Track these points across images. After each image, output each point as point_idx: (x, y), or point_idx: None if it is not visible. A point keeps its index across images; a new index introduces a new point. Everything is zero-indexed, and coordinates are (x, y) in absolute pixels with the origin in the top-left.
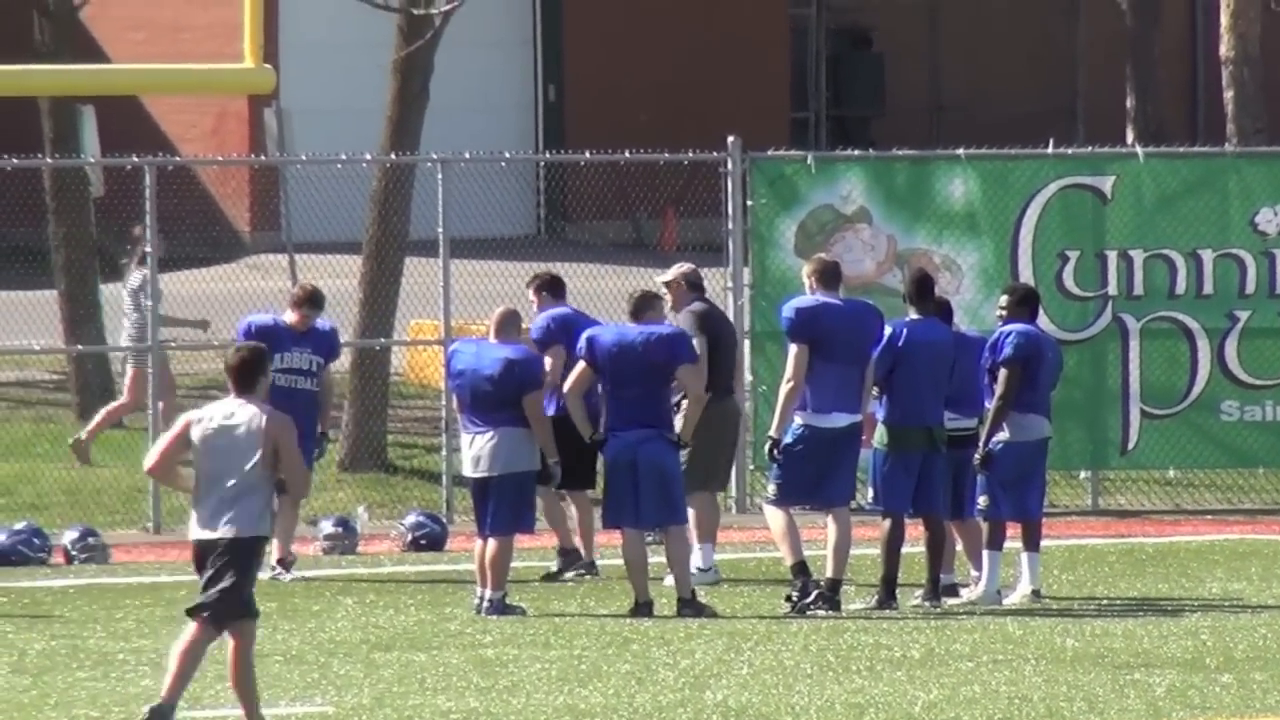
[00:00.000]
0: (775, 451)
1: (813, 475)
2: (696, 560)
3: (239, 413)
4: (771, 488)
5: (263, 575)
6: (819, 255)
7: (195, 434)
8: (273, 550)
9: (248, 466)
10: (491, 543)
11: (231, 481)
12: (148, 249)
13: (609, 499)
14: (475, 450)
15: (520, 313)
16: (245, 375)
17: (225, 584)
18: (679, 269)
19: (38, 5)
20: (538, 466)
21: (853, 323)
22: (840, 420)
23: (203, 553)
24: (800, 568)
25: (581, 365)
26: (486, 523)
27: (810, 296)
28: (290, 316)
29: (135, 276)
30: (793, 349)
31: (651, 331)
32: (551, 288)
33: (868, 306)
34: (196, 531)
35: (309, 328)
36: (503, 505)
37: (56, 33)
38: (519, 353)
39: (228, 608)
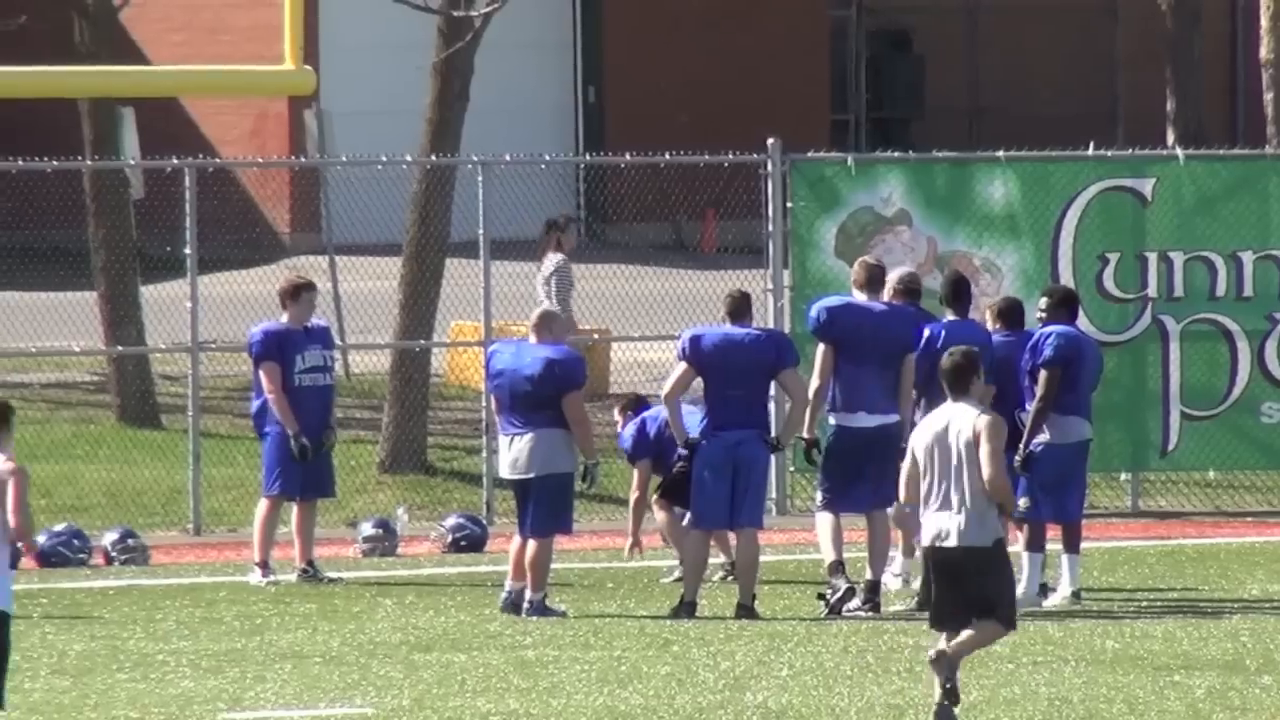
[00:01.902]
0: (814, 452)
1: (849, 476)
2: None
3: (956, 416)
4: (819, 495)
5: (289, 577)
6: (863, 258)
7: (915, 442)
8: (296, 555)
9: (964, 472)
10: (531, 544)
11: (949, 485)
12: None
13: (700, 498)
14: (514, 452)
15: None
16: (958, 379)
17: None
18: (897, 274)
19: (77, 6)
20: (575, 468)
21: (881, 324)
22: (867, 421)
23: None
24: (836, 567)
25: (683, 366)
26: (526, 524)
27: (837, 296)
28: (291, 314)
29: (548, 263)
30: (818, 350)
31: (758, 332)
32: (635, 406)
33: (903, 309)
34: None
35: (312, 326)
36: (541, 507)
37: (96, 34)
38: (559, 353)
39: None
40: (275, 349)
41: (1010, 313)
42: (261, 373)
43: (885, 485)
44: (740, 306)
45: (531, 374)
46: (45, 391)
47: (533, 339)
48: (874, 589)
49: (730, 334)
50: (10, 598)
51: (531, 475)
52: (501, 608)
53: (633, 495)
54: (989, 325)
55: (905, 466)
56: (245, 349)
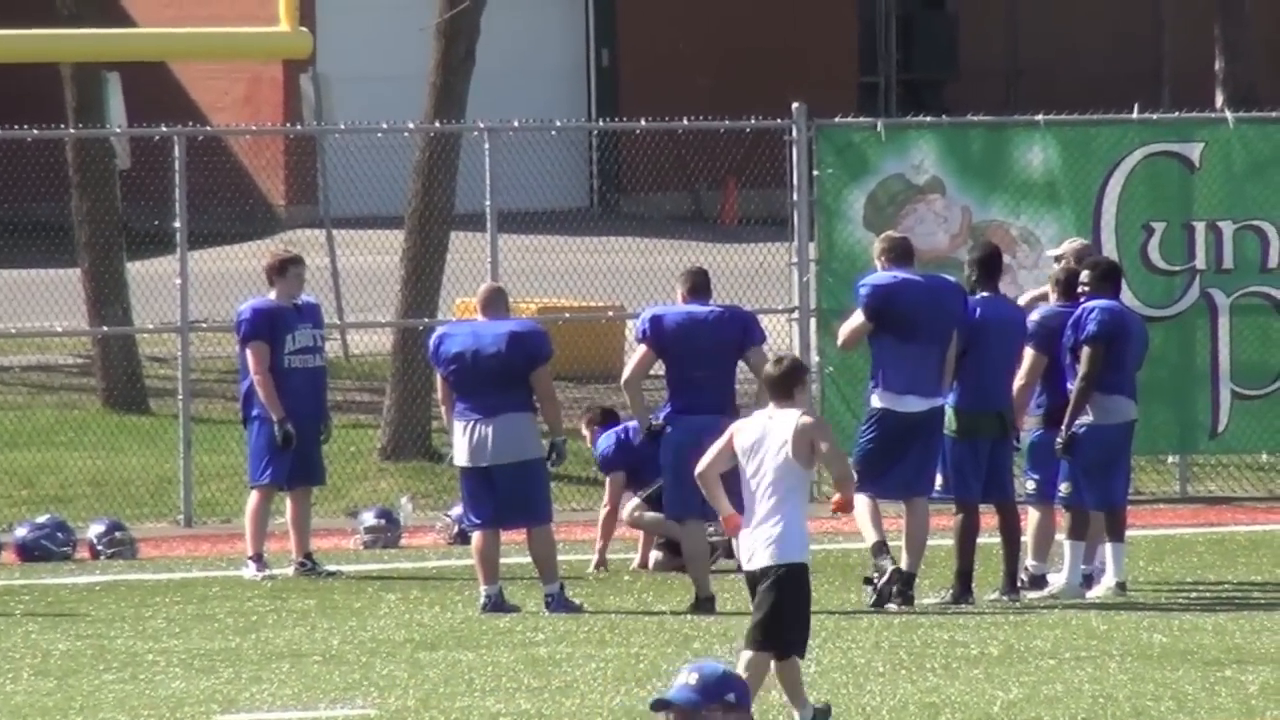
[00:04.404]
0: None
1: (889, 461)
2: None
3: None
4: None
5: (286, 570)
6: (888, 233)
7: None
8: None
9: None
10: (534, 535)
11: None
12: None
13: (672, 488)
14: (476, 439)
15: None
16: None
17: None
18: (1073, 244)
19: None
20: (544, 452)
21: (932, 300)
22: (915, 405)
23: None
24: (880, 548)
25: (643, 349)
26: (492, 516)
27: (888, 273)
28: (279, 291)
29: None
30: (857, 315)
31: (721, 309)
32: (604, 420)
33: (950, 283)
34: None
35: (303, 303)
36: (519, 496)
37: None
38: (522, 326)
39: None
40: (265, 328)
41: (1070, 283)
42: (249, 353)
43: (927, 472)
44: (700, 282)
45: (497, 350)
46: (26, 375)
47: (482, 317)
48: (908, 581)
49: (693, 313)
50: (806, 548)
51: (506, 462)
52: (483, 613)
53: (603, 509)
54: (1051, 297)
55: None
56: (233, 328)
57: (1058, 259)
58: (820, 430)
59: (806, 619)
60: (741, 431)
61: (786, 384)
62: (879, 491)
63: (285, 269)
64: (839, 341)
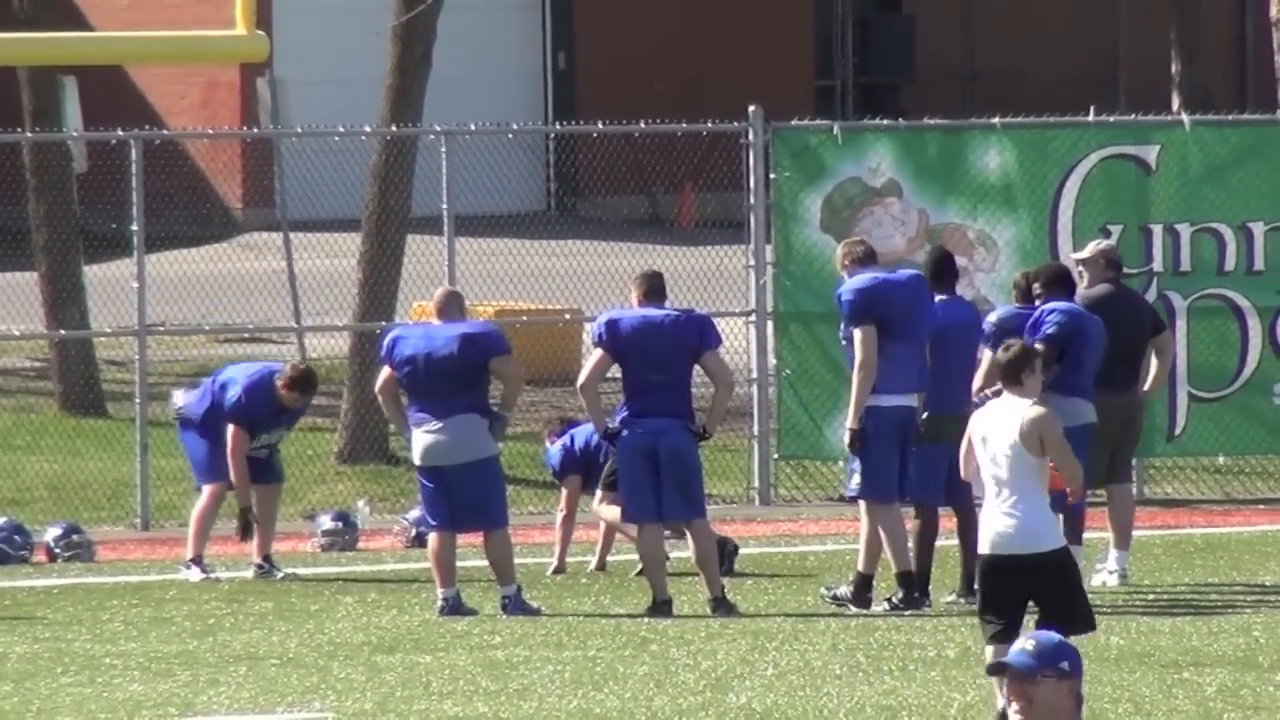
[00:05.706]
0: (856, 444)
1: (895, 462)
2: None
3: None
4: (854, 480)
5: (247, 574)
6: (849, 239)
7: None
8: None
9: None
10: (490, 538)
11: None
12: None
13: (628, 492)
14: (431, 439)
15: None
16: None
17: None
18: (1097, 245)
19: None
20: (498, 452)
21: (911, 296)
22: (906, 400)
23: None
24: (905, 578)
25: (599, 353)
26: (454, 519)
27: (867, 275)
28: (285, 399)
29: None
30: (858, 333)
31: (678, 313)
32: (563, 429)
33: (919, 278)
34: None
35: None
36: (488, 497)
37: None
38: (475, 326)
39: None
40: (246, 420)
41: (1029, 288)
42: (230, 429)
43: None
44: (656, 286)
45: (449, 352)
46: None
47: (437, 320)
48: (866, 584)
49: (649, 316)
50: (1056, 531)
51: (454, 463)
52: (440, 616)
53: (560, 514)
54: (1013, 300)
55: None
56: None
57: (1079, 261)
58: (1048, 423)
59: (1084, 594)
60: (978, 420)
61: (1015, 370)
62: (892, 495)
63: (294, 386)
64: (864, 368)
